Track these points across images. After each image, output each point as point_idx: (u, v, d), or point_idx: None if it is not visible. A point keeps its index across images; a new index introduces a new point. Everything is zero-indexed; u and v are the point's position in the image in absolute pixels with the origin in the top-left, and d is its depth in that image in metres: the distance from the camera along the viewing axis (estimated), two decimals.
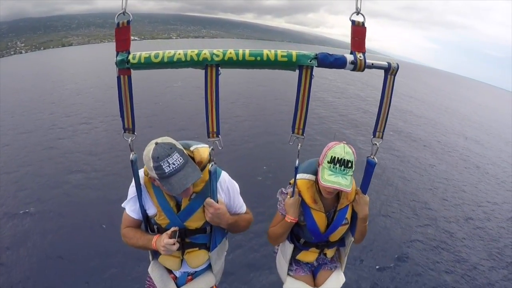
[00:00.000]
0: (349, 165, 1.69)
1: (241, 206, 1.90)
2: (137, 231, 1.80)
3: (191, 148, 1.69)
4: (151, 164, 1.47)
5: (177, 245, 1.63)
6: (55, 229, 5.21)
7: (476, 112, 25.03)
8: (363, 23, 1.43)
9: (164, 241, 1.61)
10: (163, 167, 1.45)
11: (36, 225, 5.31)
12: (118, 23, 1.41)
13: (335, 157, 1.69)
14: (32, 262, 4.47)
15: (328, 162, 1.70)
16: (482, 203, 7.49)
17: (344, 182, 1.66)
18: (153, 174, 1.50)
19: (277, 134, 10.25)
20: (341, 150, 1.71)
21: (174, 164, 1.46)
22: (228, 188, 1.79)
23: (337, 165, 1.68)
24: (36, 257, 4.58)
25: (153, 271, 1.97)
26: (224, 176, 1.79)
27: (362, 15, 1.41)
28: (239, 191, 1.87)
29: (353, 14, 1.41)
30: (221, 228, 1.82)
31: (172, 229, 1.66)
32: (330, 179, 1.67)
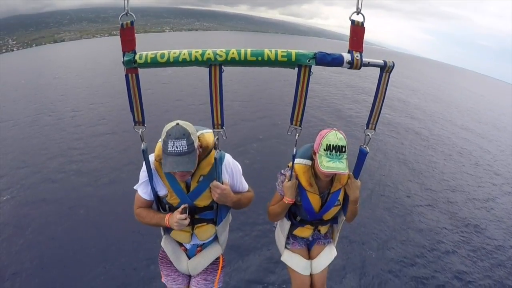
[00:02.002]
0: (343, 149, 1.85)
1: (244, 185, 2.09)
2: (149, 211, 2.00)
3: (197, 134, 1.83)
4: (163, 137, 1.66)
5: (188, 220, 1.83)
6: (40, 214, 5.34)
7: (470, 101, 25.24)
8: (362, 23, 1.49)
9: (177, 216, 1.80)
10: (168, 144, 1.62)
11: (16, 211, 5.43)
12: (122, 24, 1.48)
13: (330, 144, 1.84)
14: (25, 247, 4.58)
15: (325, 150, 1.86)
16: (468, 186, 7.71)
17: (342, 166, 1.83)
18: (162, 144, 1.68)
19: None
20: (334, 137, 1.86)
21: (177, 148, 1.61)
22: (232, 169, 1.97)
23: (333, 152, 1.84)
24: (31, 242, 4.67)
25: (166, 245, 2.20)
26: (228, 159, 1.96)
27: (362, 15, 1.47)
28: (241, 172, 2.05)
29: (353, 13, 1.47)
30: (226, 205, 2.01)
31: (183, 206, 1.86)
32: (329, 165, 1.83)
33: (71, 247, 4.57)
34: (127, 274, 4.03)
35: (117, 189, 6.04)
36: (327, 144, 1.85)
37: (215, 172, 1.85)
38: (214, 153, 1.83)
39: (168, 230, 2.15)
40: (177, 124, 1.65)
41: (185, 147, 1.62)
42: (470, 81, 64.35)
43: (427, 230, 5.59)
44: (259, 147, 8.44)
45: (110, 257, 4.30)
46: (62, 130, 9.50)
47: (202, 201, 1.94)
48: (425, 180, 7.69)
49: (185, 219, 1.80)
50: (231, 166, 1.97)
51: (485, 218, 6.30)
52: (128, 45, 1.53)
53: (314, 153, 1.98)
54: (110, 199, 5.77)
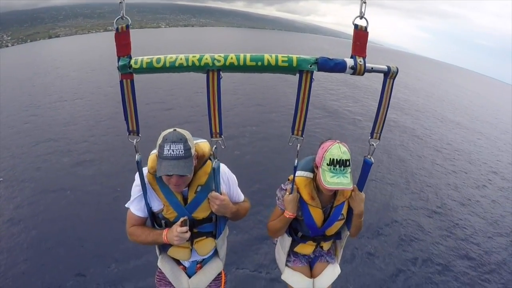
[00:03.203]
0: (347, 163, 1.76)
1: (240, 195, 2.04)
2: (144, 229, 1.88)
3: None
4: (159, 141, 1.60)
5: (189, 233, 1.73)
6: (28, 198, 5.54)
7: (465, 99, 25.39)
8: (365, 28, 1.45)
9: (177, 230, 1.70)
10: (164, 148, 1.56)
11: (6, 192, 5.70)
12: (117, 28, 1.43)
13: (333, 159, 1.75)
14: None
15: (328, 165, 1.77)
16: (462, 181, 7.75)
17: (346, 181, 1.74)
18: (157, 150, 1.62)
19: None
20: (337, 150, 1.77)
21: (173, 151, 1.55)
22: (228, 179, 1.92)
23: (337, 166, 1.75)
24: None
25: (163, 265, 2.08)
26: (224, 169, 1.90)
27: (366, 19, 1.43)
28: (237, 182, 2.00)
29: (356, 18, 1.43)
30: (224, 216, 1.94)
31: (182, 219, 1.75)
32: (333, 181, 1.74)
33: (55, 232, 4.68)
34: None
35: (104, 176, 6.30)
36: (330, 159, 1.76)
37: (213, 181, 1.77)
38: (210, 163, 1.77)
39: (164, 248, 2.05)
40: (174, 130, 1.60)
41: (181, 151, 1.56)
42: (467, 79, 64.74)
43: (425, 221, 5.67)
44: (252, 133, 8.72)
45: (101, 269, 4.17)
46: (51, 118, 9.85)
47: (200, 213, 1.86)
48: (418, 168, 7.83)
49: (186, 232, 1.71)
50: (227, 176, 1.92)
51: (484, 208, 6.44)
52: (123, 49, 1.47)
53: (316, 167, 1.89)
54: (96, 184, 6.00)
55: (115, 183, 5.82)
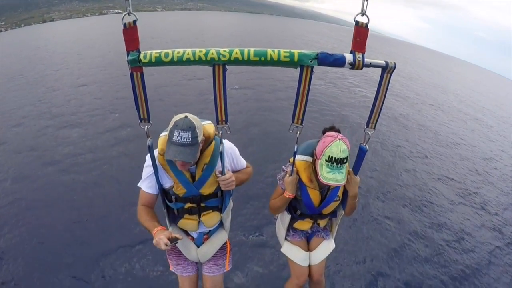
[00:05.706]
0: (344, 161, 1.89)
1: (243, 163, 2.26)
2: (148, 214, 1.99)
3: None
4: (170, 126, 1.74)
5: (167, 246, 1.71)
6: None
7: (462, 88, 25.52)
8: (366, 25, 1.50)
9: (163, 240, 1.70)
10: (174, 133, 1.70)
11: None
12: (125, 24, 1.50)
13: (332, 156, 1.87)
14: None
15: (326, 161, 1.89)
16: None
17: (340, 177, 1.88)
18: (168, 133, 1.76)
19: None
20: (337, 149, 1.87)
21: (181, 138, 1.69)
22: (232, 154, 2.12)
23: (334, 164, 1.87)
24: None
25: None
26: (227, 144, 2.06)
27: (367, 16, 1.47)
28: (239, 153, 2.19)
29: (357, 15, 1.47)
30: (228, 191, 2.11)
31: (176, 235, 1.78)
32: (329, 176, 1.88)
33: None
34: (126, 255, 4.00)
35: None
36: (329, 156, 1.87)
37: (217, 159, 1.97)
38: (214, 143, 1.98)
39: (174, 220, 2.24)
40: (186, 116, 1.73)
41: (189, 139, 1.69)
42: (463, 70, 64.35)
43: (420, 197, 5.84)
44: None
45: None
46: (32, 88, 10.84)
47: (207, 189, 2.04)
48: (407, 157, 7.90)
49: (165, 244, 1.70)
50: (230, 151, 2.10)
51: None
52: (132, 44, 1.56)
53: (316, 156, 2.01)
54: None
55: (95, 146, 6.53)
